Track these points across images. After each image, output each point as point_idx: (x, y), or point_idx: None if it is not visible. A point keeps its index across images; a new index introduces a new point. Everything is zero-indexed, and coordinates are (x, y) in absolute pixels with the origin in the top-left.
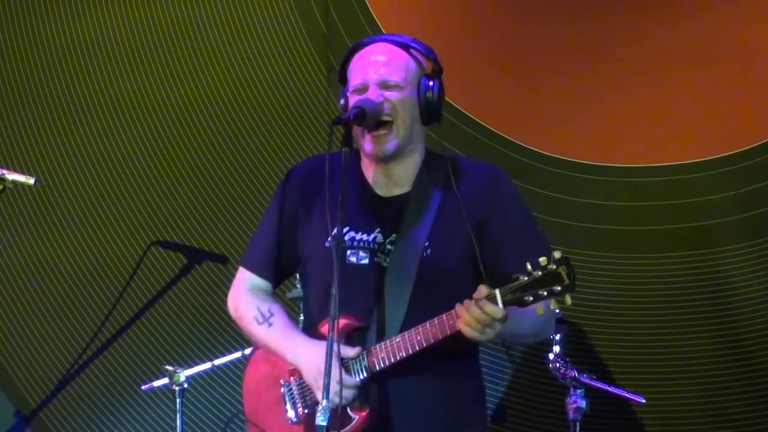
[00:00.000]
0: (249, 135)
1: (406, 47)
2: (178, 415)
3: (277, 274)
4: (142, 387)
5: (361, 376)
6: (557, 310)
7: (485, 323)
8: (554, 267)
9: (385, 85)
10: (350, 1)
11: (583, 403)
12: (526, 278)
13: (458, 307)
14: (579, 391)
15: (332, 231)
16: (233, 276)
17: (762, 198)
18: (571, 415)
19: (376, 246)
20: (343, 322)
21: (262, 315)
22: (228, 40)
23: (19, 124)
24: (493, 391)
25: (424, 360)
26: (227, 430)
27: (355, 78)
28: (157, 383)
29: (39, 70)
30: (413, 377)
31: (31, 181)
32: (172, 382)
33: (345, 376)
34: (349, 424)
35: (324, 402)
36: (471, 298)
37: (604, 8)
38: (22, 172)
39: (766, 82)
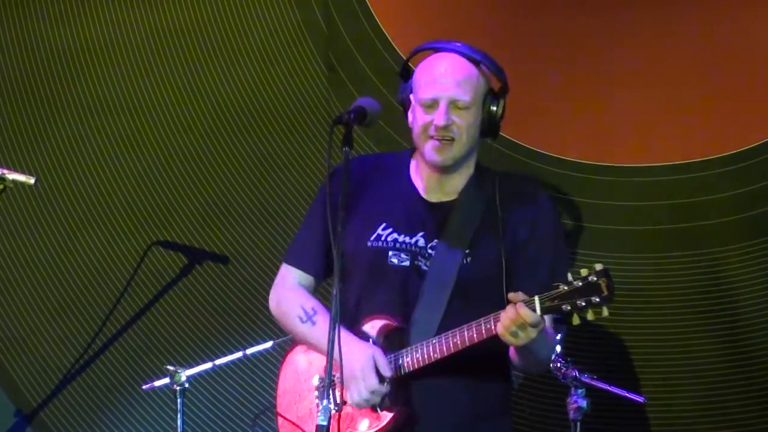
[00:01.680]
0: (249, 135)
1: (477, 63)
2: (178, 415)
3: (326, 269)
4: (143, 387)
5: (408, 369)
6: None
7: (518, 325)
8: (595, 279)
9: (455, 105)
10: (351, 0)
11: (583, 403)
12: (565, 287)
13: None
14: (580, 390)
15: (379, 227)
16: (234, 276)
17: (762, 198)
18: (571, 414)
19: (418, 249)
20: (382, 322)
21: (306, 313)
22: (228, 40)
23: (19, 124)
24: None
25: (457, 362)
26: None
27: (424, 91)
28: (158, 383)
29: (39, 70)
30: (440, 377)
31: (32, 180)
32: (173, 382)
33: (377, 385)
34: (378, 425)
35: (324, 402)
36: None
37: (603, 7)
38: (23, 172)
39: (766, 82)
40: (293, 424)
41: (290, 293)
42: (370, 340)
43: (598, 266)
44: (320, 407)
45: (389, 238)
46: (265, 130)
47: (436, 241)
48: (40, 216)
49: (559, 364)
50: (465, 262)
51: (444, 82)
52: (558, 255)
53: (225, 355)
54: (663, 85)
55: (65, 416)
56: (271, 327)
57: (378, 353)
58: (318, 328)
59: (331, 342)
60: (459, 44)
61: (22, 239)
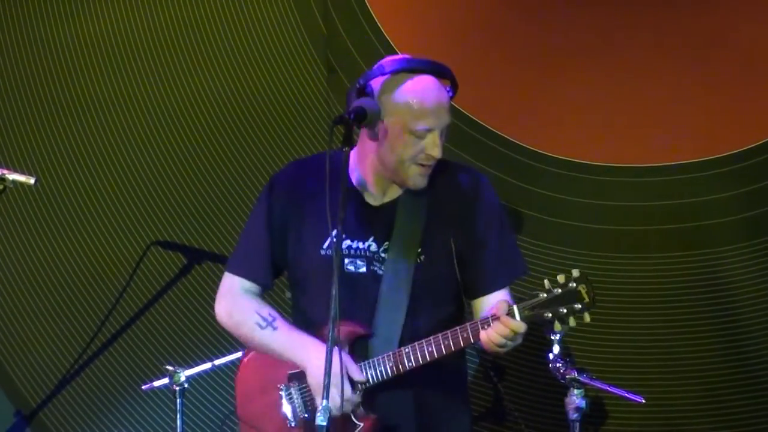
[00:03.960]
0: (249, 135)
1: (446, 81)
2: (178, 415)
3: (272, 277)
4: (143, 387)
5: (380, 379)
6: None
7: (509, 338)
8: (574, 285)
9: (442, 132)
10: (350, 1)
11: (582, 403)
12: (545, 295)
13: (485, 328)
14: (578, 391)
15: (332, 233)
16: None
17: (761, 198)
18: (570, 415)
19: (371, 254)
20: (347, 329)
21: (264, 319)
22: (228, 41)
23: (19, 124)
24: (492, 390)
25: (421, 367)
26: (224, 427)
27: (417, 121)
28: (157, 383)
29: (39, 70)
30: (404, 383)
31: (32, 181)
32: (172, 382)
33: (348, 392)
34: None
35: (324, 402)
36: (460, 300)
37: (603, 8)
38: (23, 172)
39: (766, 82)
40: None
41: (241, 301)
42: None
43: (576, 272)
44: (320, 407)
45: (342, 245)
46: (265, 130)
47: (387, 243)
48: (39, 216)
49: (558, 364)
50: (419, 261)
51: (439, 113)
52: (511, 239)
53: (224, 355)
54: (662, 86)
55: (65, 416)
56: None
57: (349, 360)
58: (280, 334)
59: (331, 342)
60: (438, 64)
61: (21, 240)
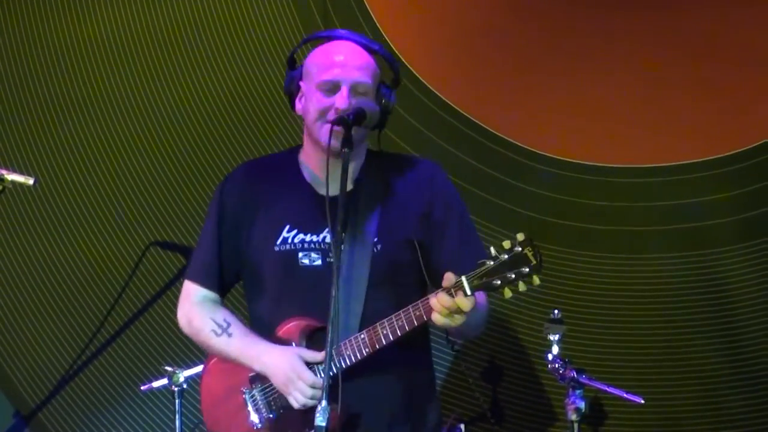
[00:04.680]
0: (248, 135)
1: (373, 52)
2: (177, 416)
3: (223, 284)
4: (142, 387)
5: (342, 368)
6: (556, 311)
7: (454, 310)
8: (520, 249)
9: (356, 90)
10: (349, 1)
11: (582, 404)
12: (492, 263)
13: (431, 297)
14: (578, 391)
15: (284, 228)
16: None
17: (759, 199)
18: (570, 415)
19: (327, 246)
20: (303, 323)
21: (219, 326)
22: (227, 41)
23: (19, 124)
24: (490, 391)
25: (383, 355)
26: None
27: (325, 74)
28: (156, 384)
29: (39, 70)
30: (376, 373)
31: (31, 181)
32: (171, 383)
33: (314, 378)
34: None
35: (323, 403)
36: (423, 288)
37: (602, 8)
38: (22, 173)
39: (766, 82)
40: None
41: (198, 308)
42: (293, 344)
43: (520, 236)
44: (319, 408)
45: (296, 240)
46: (263, 130)
47: (342, 234)
48: (38, 217)
49: (557, 365)
50: (375, 250)
51: (346, 65)
52: (472, 227)
53: None
54: (661, 86)
55: (63, 417)
56: None
57: (300, 349)
58: (235, 340)
59: (330, 343)
60: (356, 34)
61: (20, 240)
